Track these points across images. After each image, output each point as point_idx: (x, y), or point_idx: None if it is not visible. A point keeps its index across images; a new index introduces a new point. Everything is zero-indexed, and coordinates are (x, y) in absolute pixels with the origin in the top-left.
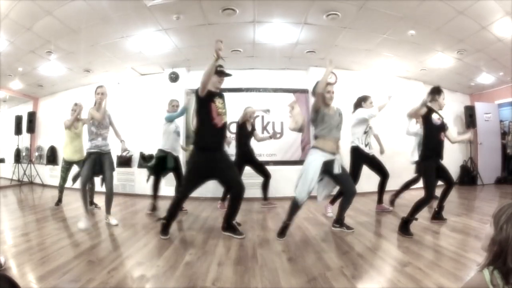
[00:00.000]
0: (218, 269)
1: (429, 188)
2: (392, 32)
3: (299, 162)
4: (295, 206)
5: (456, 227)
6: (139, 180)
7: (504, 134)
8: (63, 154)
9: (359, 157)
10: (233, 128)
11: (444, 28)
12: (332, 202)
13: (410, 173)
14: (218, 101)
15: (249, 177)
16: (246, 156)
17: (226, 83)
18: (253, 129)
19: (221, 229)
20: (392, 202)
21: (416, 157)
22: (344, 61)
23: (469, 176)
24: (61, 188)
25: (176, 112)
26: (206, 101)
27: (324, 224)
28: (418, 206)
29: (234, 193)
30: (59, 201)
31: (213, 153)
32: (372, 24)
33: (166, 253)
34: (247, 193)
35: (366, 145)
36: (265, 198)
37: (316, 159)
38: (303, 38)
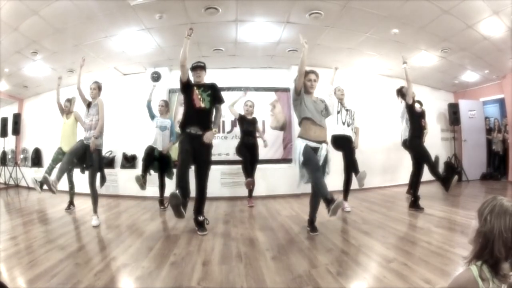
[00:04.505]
0: (203, 269)
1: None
2: (375, 31)
3: (281, 160)
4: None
5: (442, 223)
6: (122, 180)
7: (489, 131)
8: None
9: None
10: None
11: (429, 27)
12: (345, 197)
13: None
14: (198, 90)
15: (234, 176)
16: (246, 147)
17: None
18: (254, 121)
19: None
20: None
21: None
22: (326, 60)
23: (453, 172)
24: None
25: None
26: (188, 86)
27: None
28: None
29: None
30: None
31: (194, 132)
32: (355, 23)
33: (151, 254)
34: (232, 192)
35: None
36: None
37: (299, 146)
38: (285, 37)
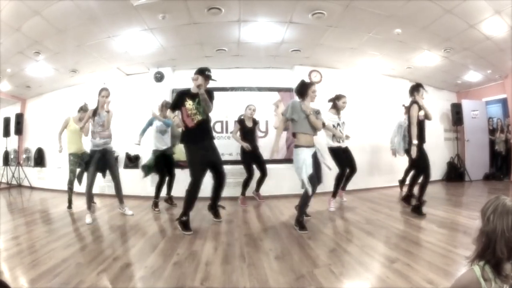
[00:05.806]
0: (206, 269)
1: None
2: (377, 30)
3: (285, 160)
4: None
5: (444, 223)
6: (125, 180)
7: (492, 131)
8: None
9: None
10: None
11: (431, 27)
12: (342, 188)
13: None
14: (188, 104)
15: (237, 176)
16: (249, 151)
17: (212, 82)
18: (255, 124)
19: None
20: (407, 201)
21: (404, 146)
22: (328, 60)
23: (456, 172)
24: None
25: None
26: (178, 107)
27: (310, 222)
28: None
29: (216, 182)
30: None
31: (201, 142)
32: (357, 23)
33: (154, 253)
34: (234, 192)
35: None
36: (257, 189)
37: (304, 158)
38: (288, 37)
